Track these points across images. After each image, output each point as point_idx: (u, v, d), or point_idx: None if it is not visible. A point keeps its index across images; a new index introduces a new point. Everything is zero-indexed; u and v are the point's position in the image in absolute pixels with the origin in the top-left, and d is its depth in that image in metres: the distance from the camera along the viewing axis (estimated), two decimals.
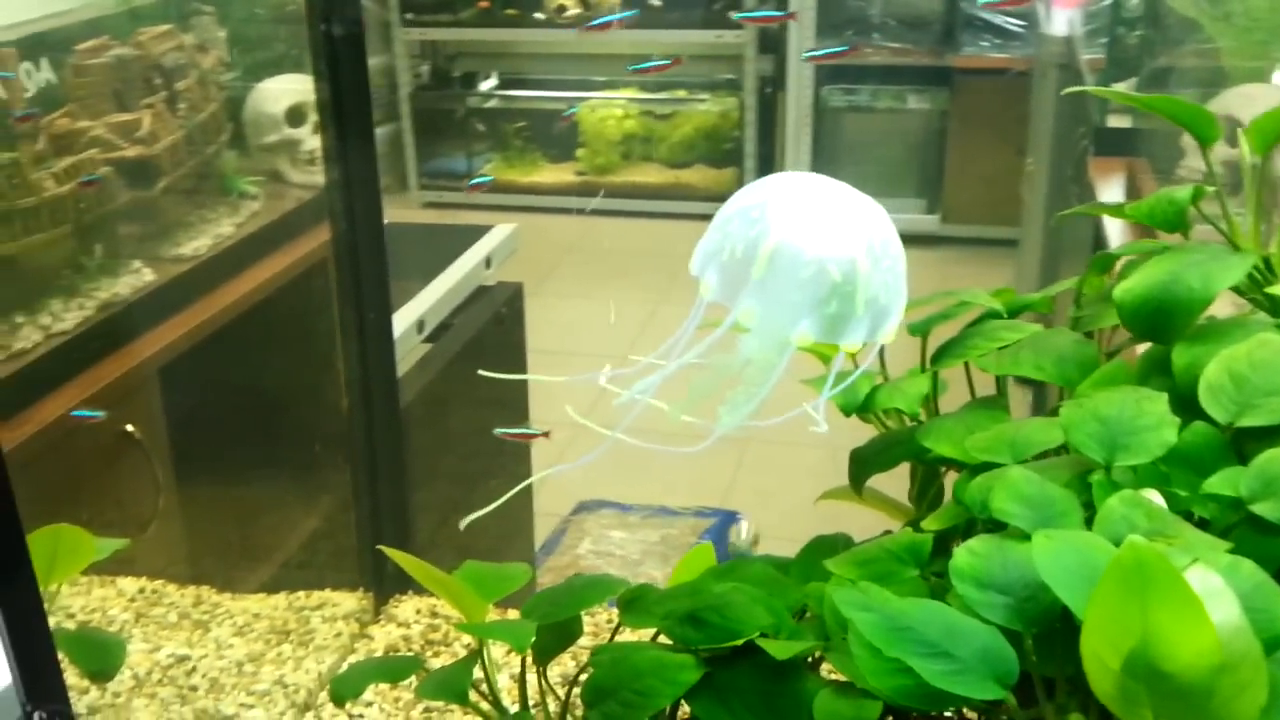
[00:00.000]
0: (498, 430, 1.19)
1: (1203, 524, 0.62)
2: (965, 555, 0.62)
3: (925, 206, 5.10)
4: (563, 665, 1.04)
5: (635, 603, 0.86)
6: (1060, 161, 3.74)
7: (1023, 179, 4.40)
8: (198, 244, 1.68)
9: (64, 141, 1.54)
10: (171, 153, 1.66)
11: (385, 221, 1.13)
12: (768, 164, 5.38)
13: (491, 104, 5.67)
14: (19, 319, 1.41)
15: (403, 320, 1.56)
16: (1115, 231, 2.40)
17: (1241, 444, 0.63)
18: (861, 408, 0.86)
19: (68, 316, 1.43)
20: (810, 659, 0.79)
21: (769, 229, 0.54)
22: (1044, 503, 0.63)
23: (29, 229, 1.40)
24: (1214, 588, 0.53)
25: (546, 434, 1.13)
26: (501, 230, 1.62)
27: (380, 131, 5.20)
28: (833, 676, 0.76)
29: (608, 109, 5.54)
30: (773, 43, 5.25)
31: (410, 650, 1.10)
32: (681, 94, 5.54)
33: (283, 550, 1.46)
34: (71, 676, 0.97)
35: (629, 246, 5.17)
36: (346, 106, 1.12)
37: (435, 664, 1.08)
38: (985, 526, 0.66)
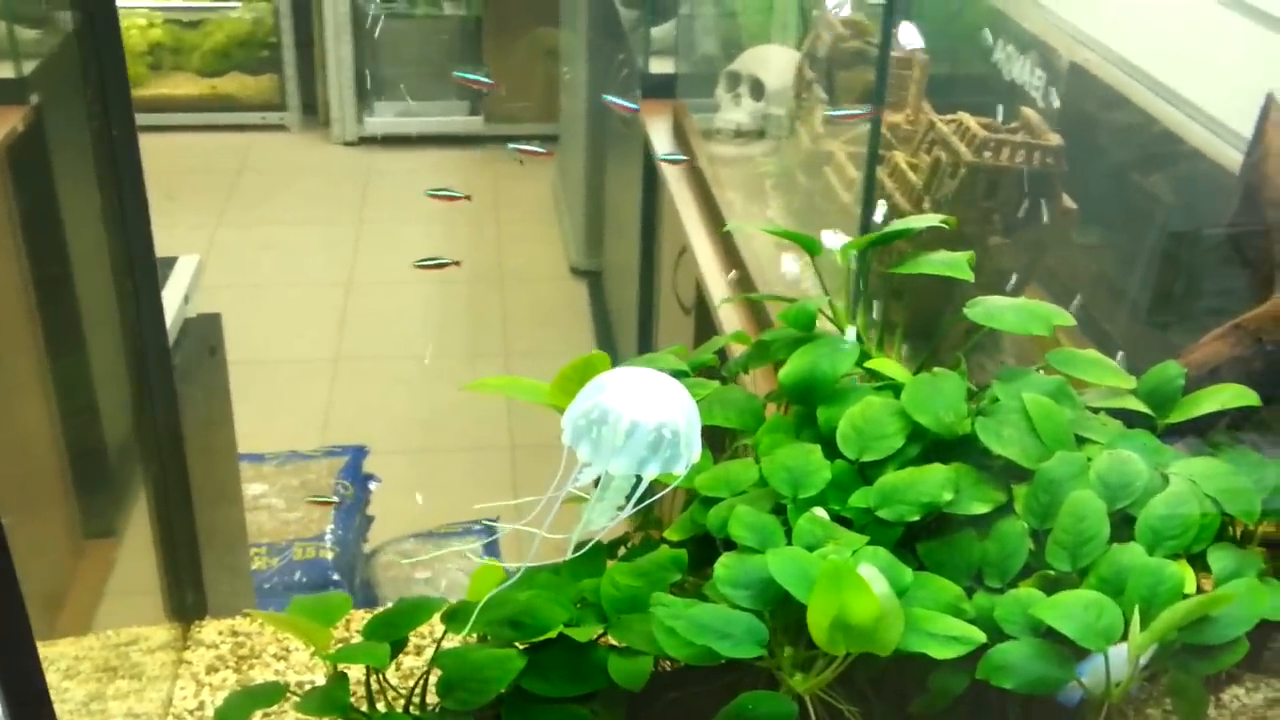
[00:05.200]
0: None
1: (848, 523, 1.04)
2: (722, 568, 1.00)
3: (468, 109, 5.40)
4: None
5: (456, 616, 1.16)
6: (598, 75, 4.15)
7: (560, 84, 4.82)
8: None
9: None
10: None
11: None
12: (308, 72, 5.41)
13: None
14: None
15: None
16: (662, 140, 2.87)
17: (865, 472, 1.05)
18: None
19: None
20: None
21: (621, 413, 0.87)
22: (761, 527, 1.02)
23: None
24: (874, 575, 0.94)
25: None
26: (188, 262, 1.75)
27: None
28: (613, 644, 1.12)
29: (129, 18, 5.28)
30: None
31: (226, 667, 1.33)
32: (208, 0, 5.40)
33: (73, 591, 1.58)
34: None
35: (173, 165, 5.05)
36: None
37: (253, 676, 1.33)
38: (723, 543, 1.04)
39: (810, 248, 1.18)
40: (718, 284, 2.36)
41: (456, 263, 1.41)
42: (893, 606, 0.94)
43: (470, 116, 5.39)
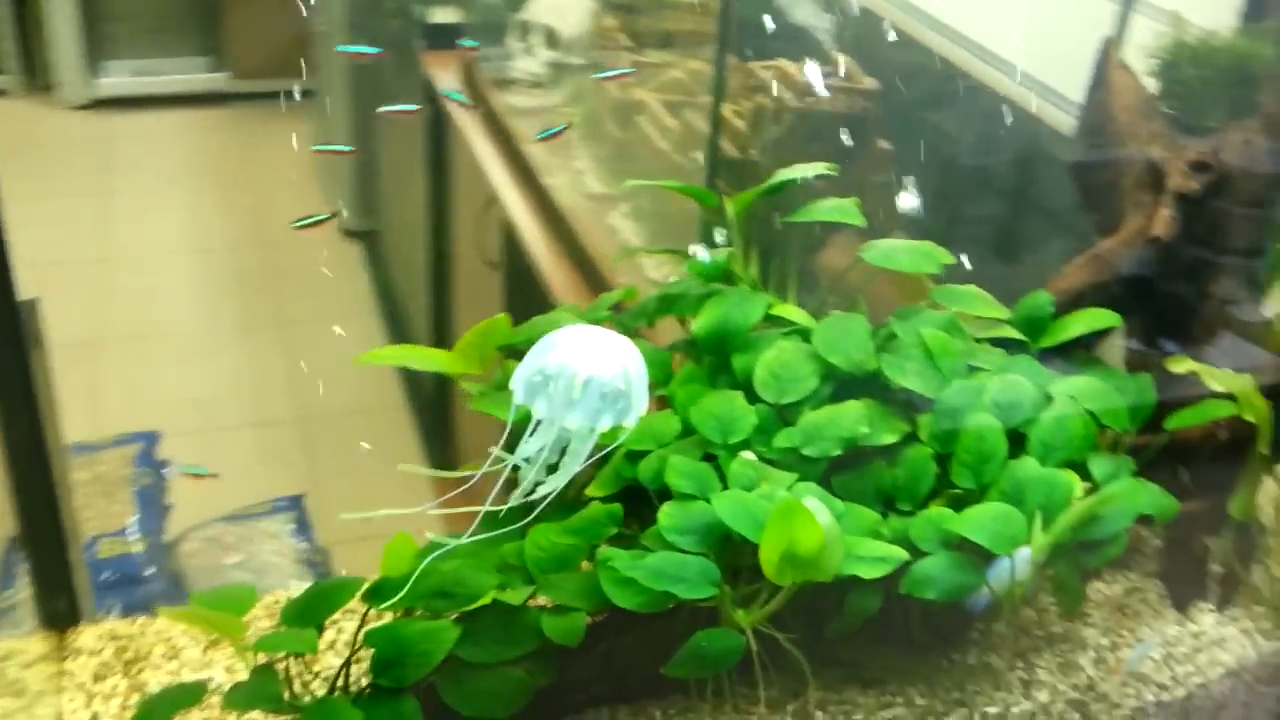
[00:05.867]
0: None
1: (773, 464, 1.09)
2: (665, 517, 1.03)
3: (211, 64, 5.12)
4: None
5: (379, 593, 1.14)
6: (360, 24, 4.02)
7: (314, 35, 4.64)
8: None
9: None
10: None
11: None
12: (25, 30, 4.99)
13: None
14: None
15: None
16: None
17: (784, 415, 1.11)
18: None
19: None
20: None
21: (577, 369, 0.89)
22: (697, 475, 1.05)
23: None
24: (818, 507, 0.99)
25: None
26: None
27: None
28: (541, 605, 1.13)
29: None
30: None
31: (114, 673, 1.27)
32: None
33: None
34: None
35: None
36: None
37: (146, 680, 1.27)
38: (656, 494, 1.07)
39: (705, 200, 1.21)
40: (535, 237, 2.37)
41: (335, 214, 1.36)
42: (835, 535, 1.00)
43: (214, 74, 5.12)
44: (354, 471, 3.15)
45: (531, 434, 0.94)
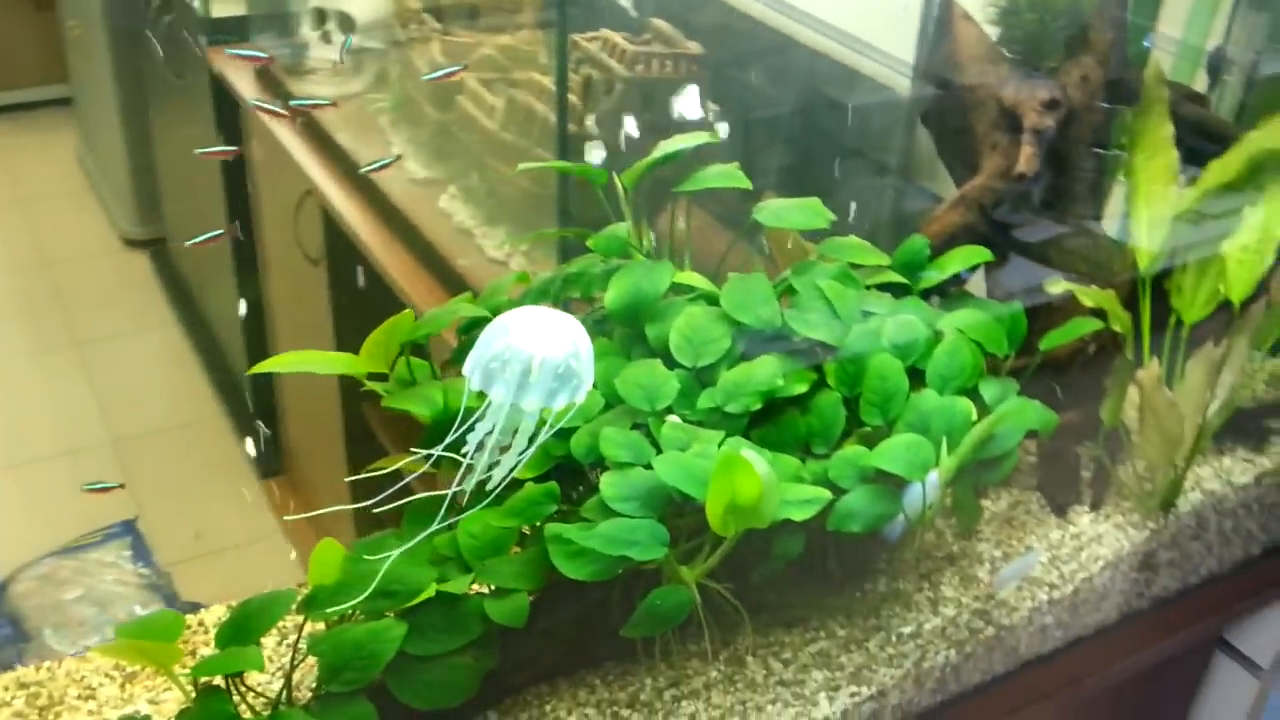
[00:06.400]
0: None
1: (699, 425, 1.12)
2: (608, 486, 1.05)
3: None
4: None
5: (313, 601, 1.12)
6: (120, 25, 3.81)
7: (68, 40, 4.37)
8: None
9: None
10: None
11: None
12: None
13: None
14: None
15: None
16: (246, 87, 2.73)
17: (700, 377, 1.14)
18: None
19: None
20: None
21: (532, 352, 0.90)
22: (632, 443, 1.08)
23: None
24: (755, 458, 1.03)
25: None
26: None
27: None
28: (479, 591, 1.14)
29: None
30: None
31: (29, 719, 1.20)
32: None
33: None
34: None
35: None
36: None
37: None
38: (589, 467, 1.09)
39: (596, 178, 1.23)
40: (363, 226, 2.32)
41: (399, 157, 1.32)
42: (772, 483, 1.04)
43: None
44: (180, 488, 3.03)
45: (481, 418, 0.94)
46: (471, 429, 0.96)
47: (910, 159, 1.76)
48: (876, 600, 1.30)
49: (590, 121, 1.91)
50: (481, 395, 0.95)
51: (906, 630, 1.28)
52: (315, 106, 2.53)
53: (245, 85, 2.78)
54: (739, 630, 1.24)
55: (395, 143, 2.49)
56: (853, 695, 1.21)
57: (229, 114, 2.92)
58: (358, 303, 2.50)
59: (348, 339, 2.39)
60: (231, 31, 2.88)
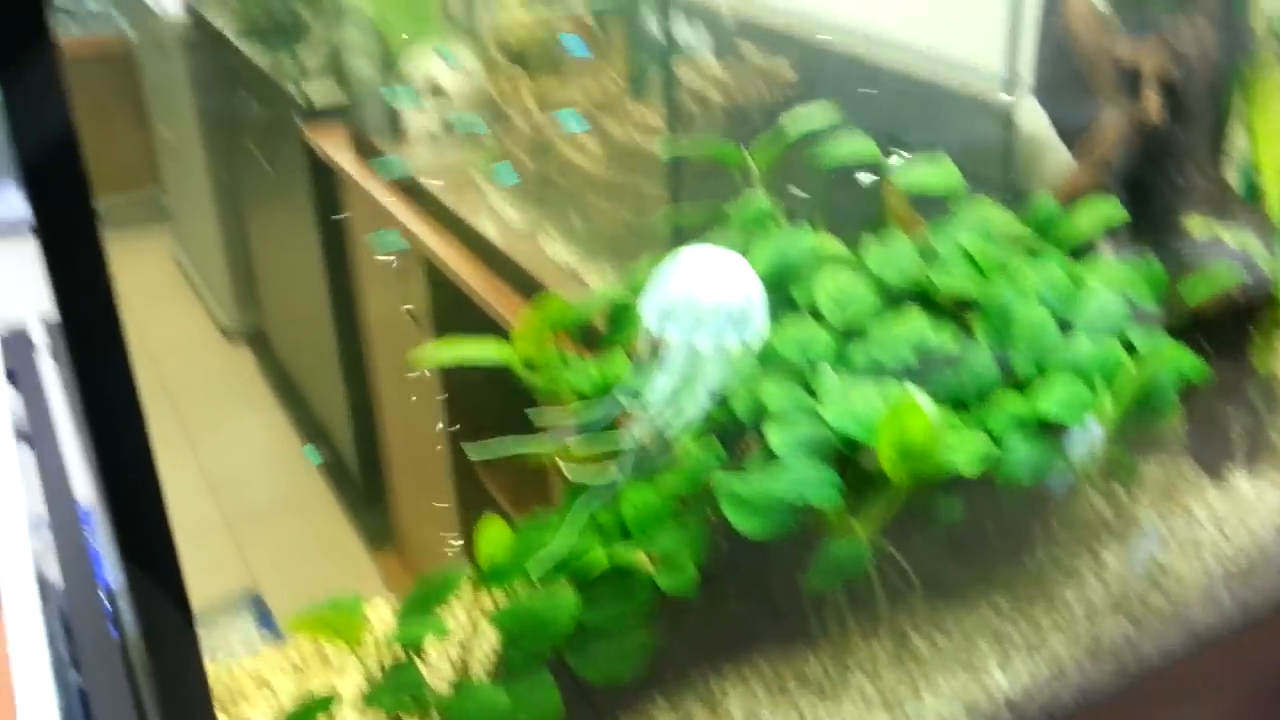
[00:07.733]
0: None
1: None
2: (774, 435, 1.06)
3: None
4: None
5: (495, 574, 1.13)
6: (221, 131, 3.96)
7: (162, 146, 4.55)
8: None
9: None
10: None
11: None
12: None
13: None
14: None
15: None
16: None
17: (850, 336, 1.15)
18: None
19: None
20: None
21: (704, 291, 0.92)
22: (793, 396, 1.09)
23: None
24: (923, 399, 1.04)
25: None
26: None
27: None
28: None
29: None
30: None
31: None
32: None
33: None
34: None
35: None
36: None
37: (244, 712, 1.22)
38: (753, 427, 1.10)
39: (730, 157, 1.26)
40: (468, 273, 2.37)
41: None
42: (940, 424, 1.05)
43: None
44: (296, 564, 3.08)
45: (659, 367, 0.96)
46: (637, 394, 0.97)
47: (1011, 167, 1.77)
48: (1036, 570, 1.28)
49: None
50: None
51: (1071, 599, 1.25)
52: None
53: (344, 158, 2.88)
54: (900, 602, 1.23)
55: (492, 195, 2.55)
56: (1027, 667, 1.19)
57: (325, 188, 3.01)
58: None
59: (456, 393, 2.43)
60: (332, 119, 2.99)
